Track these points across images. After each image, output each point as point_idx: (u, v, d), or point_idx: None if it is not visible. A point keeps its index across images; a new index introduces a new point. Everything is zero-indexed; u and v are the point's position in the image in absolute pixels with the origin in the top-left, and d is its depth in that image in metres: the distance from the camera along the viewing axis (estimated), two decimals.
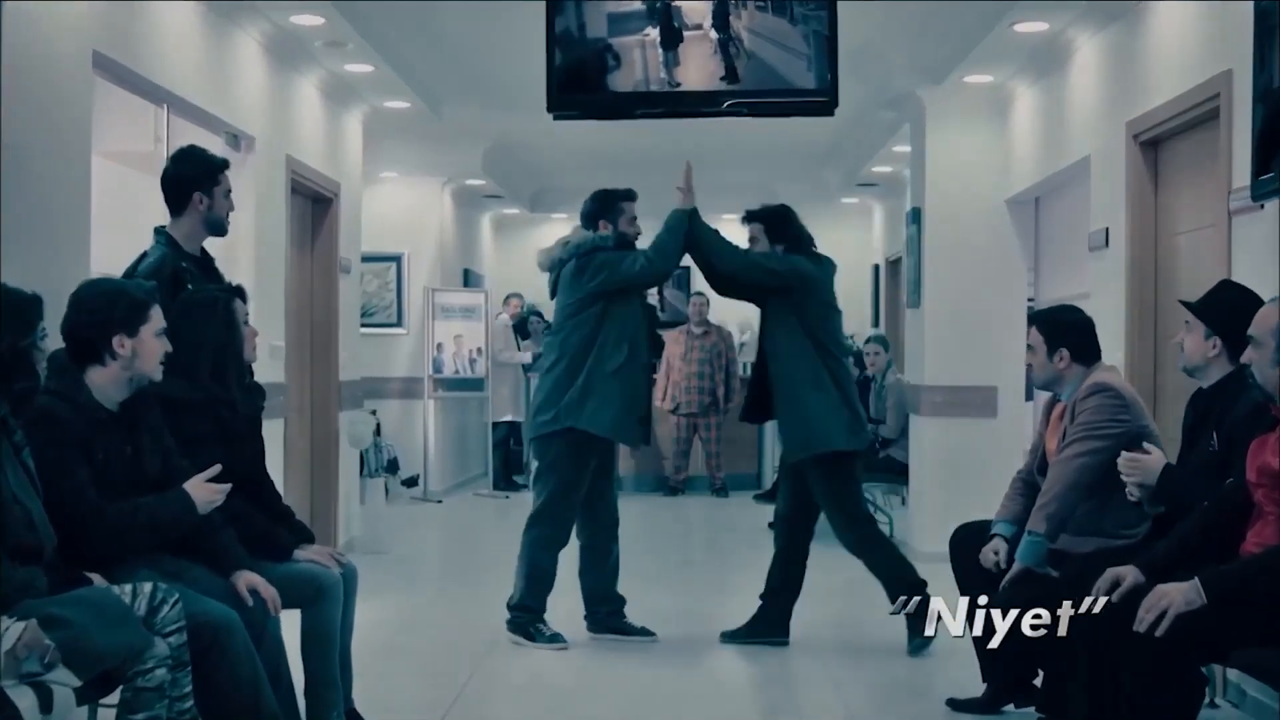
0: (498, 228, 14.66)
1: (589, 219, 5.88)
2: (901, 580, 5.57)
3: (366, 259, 9.48)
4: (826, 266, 5.84)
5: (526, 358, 11.85)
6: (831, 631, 5.65)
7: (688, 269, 15.76)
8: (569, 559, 5.95)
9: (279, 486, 4.55)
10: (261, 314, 6.24)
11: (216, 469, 3.64)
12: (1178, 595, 3.25)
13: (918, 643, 5.54)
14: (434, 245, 11.62)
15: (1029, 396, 8.10)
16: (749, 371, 7.91)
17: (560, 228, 12.08)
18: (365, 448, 8.56)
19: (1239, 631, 3.28)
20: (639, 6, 5.84)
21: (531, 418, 6.00)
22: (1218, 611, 3.25)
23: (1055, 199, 7.88)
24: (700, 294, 11.87)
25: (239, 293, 4.15)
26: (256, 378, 4.31)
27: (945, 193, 8.21)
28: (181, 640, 3.25)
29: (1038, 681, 4.53)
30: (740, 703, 5.26)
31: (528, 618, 5.80)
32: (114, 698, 3.20)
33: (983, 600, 3.51)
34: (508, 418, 12.05)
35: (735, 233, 6.15)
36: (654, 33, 5.81)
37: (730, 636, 5.86)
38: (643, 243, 5.89)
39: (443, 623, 6.44)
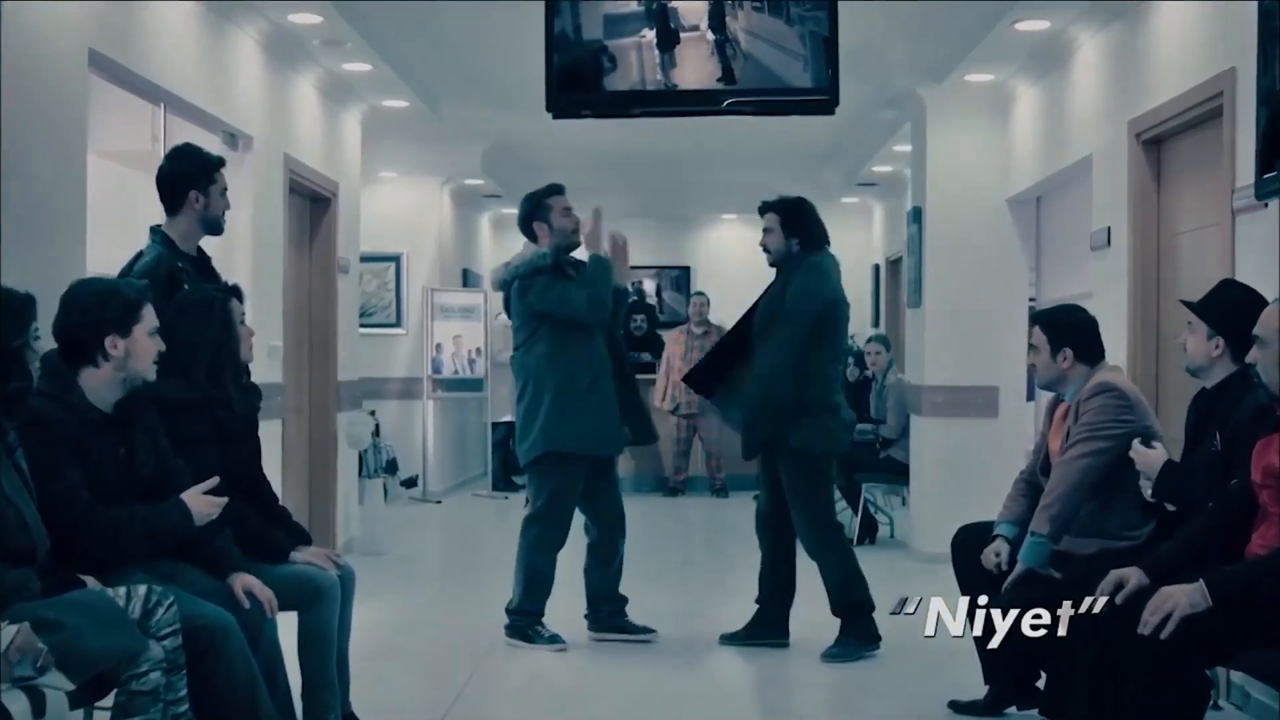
0: (497, 228, 14.64)
1: (524, 226, 5.86)
2: (847, 602, 5.55)
3: (365, 259, 9.46)
4: (835, 265, 5.70)
5: None
6: (831, 632, 5.62)
7: (687, 269, 15.95)
8: (568, 560, 5.93)
9: (277, 487, 4.54)
10: (259, 314, 6.22)
11: (214, 481, 3.61)
12: (1182, 597, 3.23)
13: (834, 651, 5.55)
14: (433, 245, 11.61)
15: (1030, 396, 8.09)
16: None
17: None
18: (364, 448, 8.54)
19: (1244, 634, 3.26)
20: (636, 8, 5.82)
21: (517, 445, 5.99)
22: (1222, 614, 3.22)
23: (1057, 198, 7.86)
24: (700, 294, 11.85)
25: (235, 292, 4.12)
26: (254, 378, 4.29)
27: (946, 192, 8.19)
28: (177, 643, 3.22)
29: (1040, 684, 4.50)
30: (740, 703, 5.25)
31: (526, 621, 5.79)
32: (108, 701, 3.16)
33: (983, 601, 3.49)
34: (507, 418, 11.99)
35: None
36: (650, 34, 5.79)
37: (730, 639, 5.84)
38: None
39: (442, 623, 6.42)
